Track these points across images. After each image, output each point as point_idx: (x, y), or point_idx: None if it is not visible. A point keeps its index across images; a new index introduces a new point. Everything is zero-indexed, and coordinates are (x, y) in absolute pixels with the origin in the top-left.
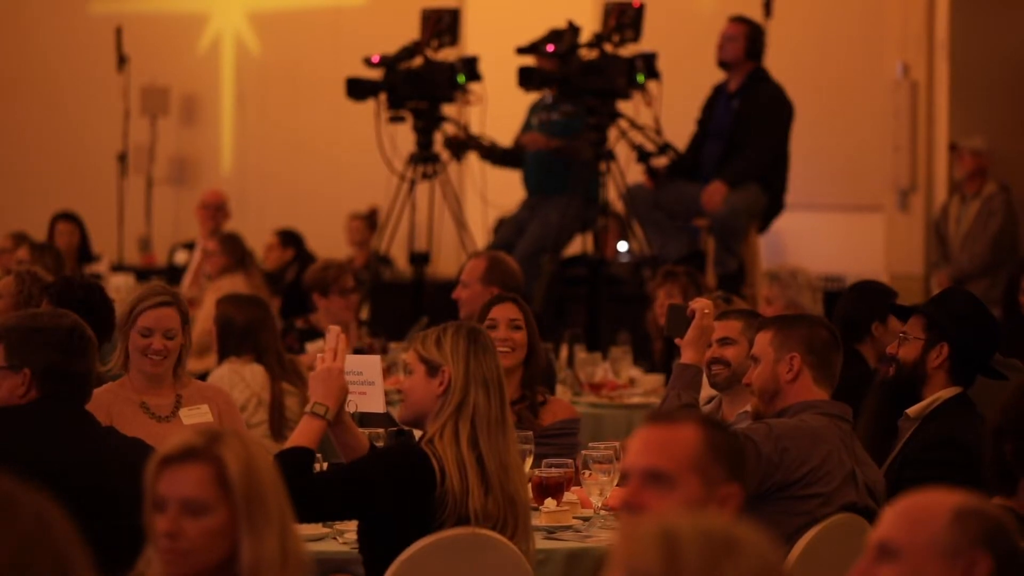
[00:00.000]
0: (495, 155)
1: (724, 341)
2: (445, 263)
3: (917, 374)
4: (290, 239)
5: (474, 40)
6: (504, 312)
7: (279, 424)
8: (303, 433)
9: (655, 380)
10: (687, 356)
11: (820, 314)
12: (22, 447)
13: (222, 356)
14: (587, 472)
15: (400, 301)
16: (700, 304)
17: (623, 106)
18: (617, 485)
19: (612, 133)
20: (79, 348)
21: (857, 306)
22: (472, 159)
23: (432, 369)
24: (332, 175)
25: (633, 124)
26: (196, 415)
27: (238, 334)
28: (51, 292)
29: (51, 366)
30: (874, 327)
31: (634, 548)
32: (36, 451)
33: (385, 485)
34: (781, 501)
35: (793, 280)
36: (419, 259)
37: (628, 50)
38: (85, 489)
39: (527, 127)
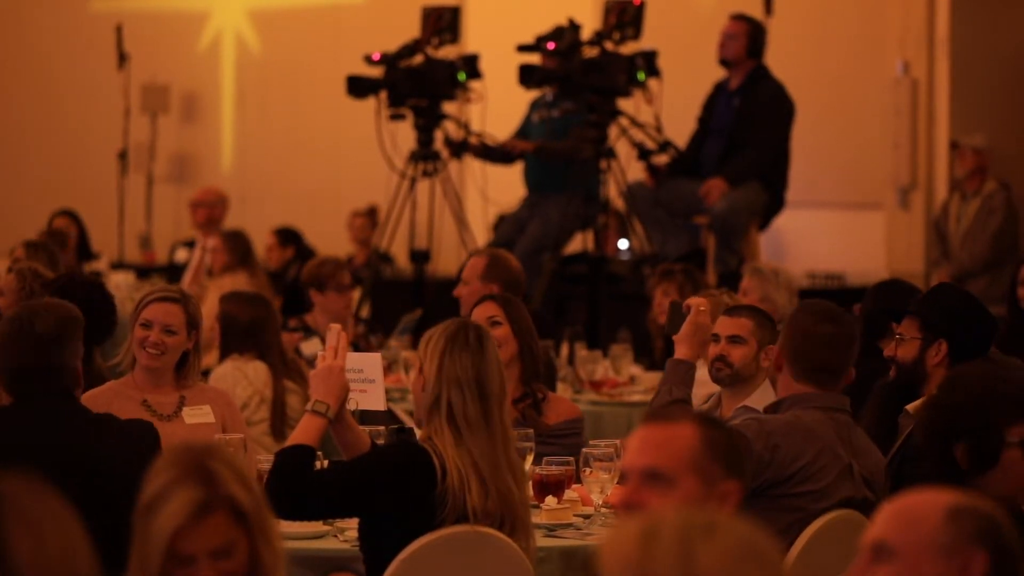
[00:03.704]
0: (490, 155)
1: (734, 339)
2: (446, 261)
3: (917, 373)
4: (289, 237)
5: (475, 38)
6: (482, 312)
7: (280, 422)
8: (304, 431)
9: (656, 378)
10: (680, 352)
11: None
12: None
13: (224, 354)
14: (588, 470)
15: (401, 299)
16: (695, 301)
17: (624, 104)
18: (617, 484)
19: (613, 131)
20: (48, 342)
21: (878, 303)
22: (472, 156)
23: (420, 367)
24: (332, 173)
25: (634, 122)
26: (198, 415)
27: (241, 332)
28: (52, 290)
29: (21, 368)
30: (894, 324)
31: (615, 539)
32: (18, 454)
33: (386, 482)
34: (773, 498)
35: (773, 277)
36: (420, 257)
37: (629, 48)
38: (76, 486)
39: (527, 125)
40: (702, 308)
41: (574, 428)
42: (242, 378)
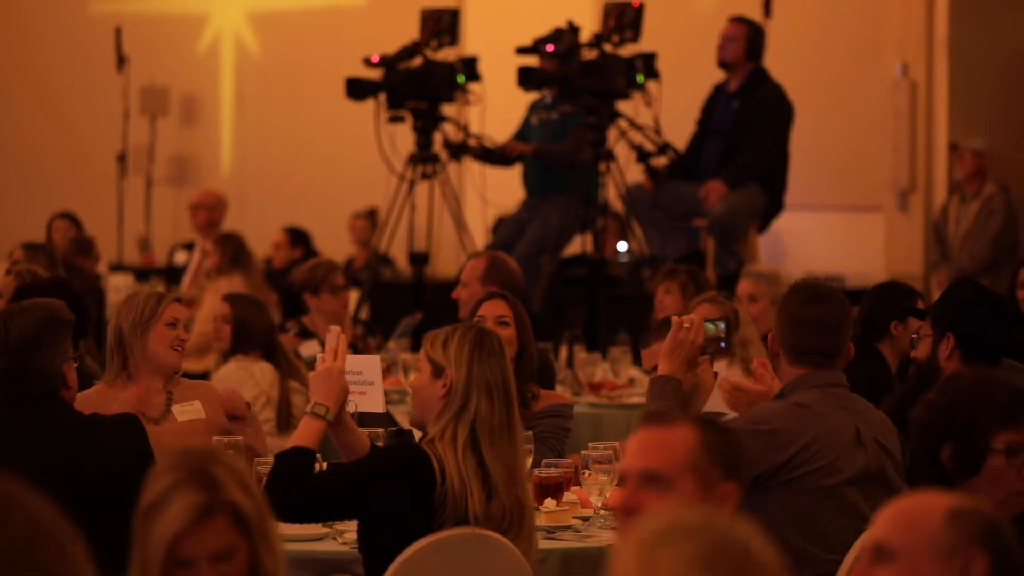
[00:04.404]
0: (489, 157)
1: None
2: (445, 263)
3: (933, 370)
4: (299, 238)
5: (474, 40)
6: (492, 309)
7: (286, 422)
8: (304, 433)
9: None
10: (661, 368)
11: None
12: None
13: (231, 354)
14: (587, 472)
15: (400, 301)
16: (676, 319)
17: (623, 106)
18: (616, 486)
19: (612, 133)
20: (24, 346)
21: (876, 305)
22: (471, 159)
23: (437, 370)
24: (332, 175)
25: (633, 124)
26: (189, 412)
27: (255, 334)
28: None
29: (4, 372)
30: (893, 326)
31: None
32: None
33: (385, 484)
34: (784, 483)
35: (777, 278)
36: (419, 259)
37: (628, 50)
38: (66, 487)
39: (526, 127)
40: (686, 325)
41: (554, 411)
42: (248, 378)
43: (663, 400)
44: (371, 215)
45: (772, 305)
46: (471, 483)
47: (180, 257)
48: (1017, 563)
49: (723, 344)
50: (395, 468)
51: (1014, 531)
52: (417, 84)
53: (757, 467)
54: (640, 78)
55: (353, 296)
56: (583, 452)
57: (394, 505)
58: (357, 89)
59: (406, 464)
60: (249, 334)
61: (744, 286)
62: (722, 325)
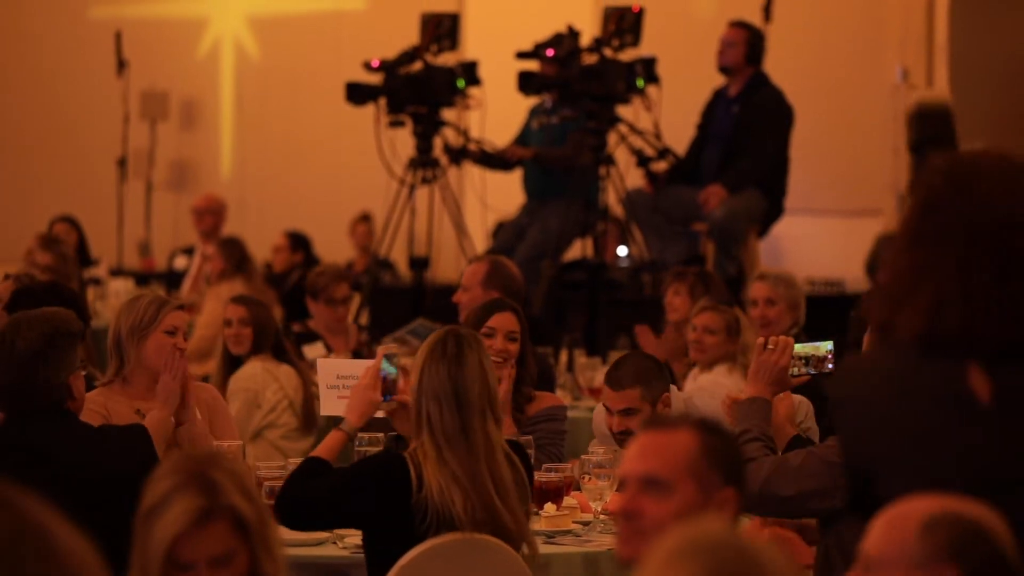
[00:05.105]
0: (489, 162)
1: (627, 412)
2: (445, 267)
3: None
4: (300, 242)
5: (474, 45)
6: (504, 323)
7: (313, 423)
8: (324, 444)
9: None
10: (747, 390)
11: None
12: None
13: (250, 355)
14: (587, 477)
15: (400, 306)
16: (760, 340)
17: (623, 111)
18: (616, 491)
19: (612, 138)
20: (31, 359)
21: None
22: (472, 163)
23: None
24: (332, 180)
25: (633, 129)
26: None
27: (268, 336)
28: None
29: (6, 385)
30: None
31: None
32: (10, 470)
33: (364, 490)
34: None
35: (794, 282)
36: (419, 264)
37: (628, 55)
38: (73, 498)
39: (526, 131)
40: (770, 346)
41: (550, 415)
42: (272, 381)
43: (748, 422)
44: (364, 219)
45: (789, 309)
46: (450, 491)
47: (180, 262)
48: (999, 571)
49: (830, 366)
50: (371, 475)
51: (1005, 535)
52: (417, 89)
53: (838, 498)
54: (640, 83)
55: (350, 306)
56: (583, 457)
57: (375, 511)
58: (357, 94)
59: (381, 471)
60: (265, 335)
61: (762, 289)
62: (829, 346)
